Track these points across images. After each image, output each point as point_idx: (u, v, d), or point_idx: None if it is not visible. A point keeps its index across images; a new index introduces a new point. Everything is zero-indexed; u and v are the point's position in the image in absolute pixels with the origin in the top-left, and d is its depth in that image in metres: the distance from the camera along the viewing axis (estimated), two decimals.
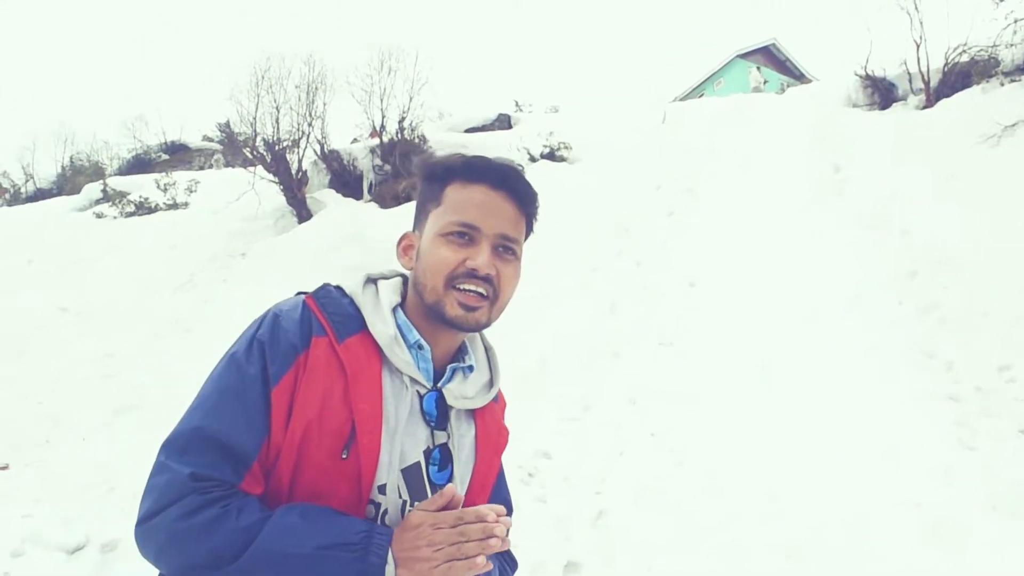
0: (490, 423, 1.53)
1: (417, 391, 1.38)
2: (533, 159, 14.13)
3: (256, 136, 13.86)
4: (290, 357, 1.27)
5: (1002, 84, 11.37)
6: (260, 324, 1.32)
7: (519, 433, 5.51)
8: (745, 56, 34.15)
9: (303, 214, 13.47)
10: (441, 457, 1.39)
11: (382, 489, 1.30)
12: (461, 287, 1.33)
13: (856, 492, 4.31)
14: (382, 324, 1.36)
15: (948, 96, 12.28)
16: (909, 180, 9.19)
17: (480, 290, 1.34)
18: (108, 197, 16.21)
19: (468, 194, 1.38)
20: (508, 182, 1.40)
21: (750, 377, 5.88)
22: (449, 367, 1.45)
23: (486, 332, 1.54)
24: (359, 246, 10.93)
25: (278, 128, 13.92)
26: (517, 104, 23.68)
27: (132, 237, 13.17)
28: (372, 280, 1.47)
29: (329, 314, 1.34)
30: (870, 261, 7.48)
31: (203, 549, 1.13)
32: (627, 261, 9.01)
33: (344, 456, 1.25)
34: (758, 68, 28.48)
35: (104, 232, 13.88)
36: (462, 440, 1.45)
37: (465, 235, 1.35)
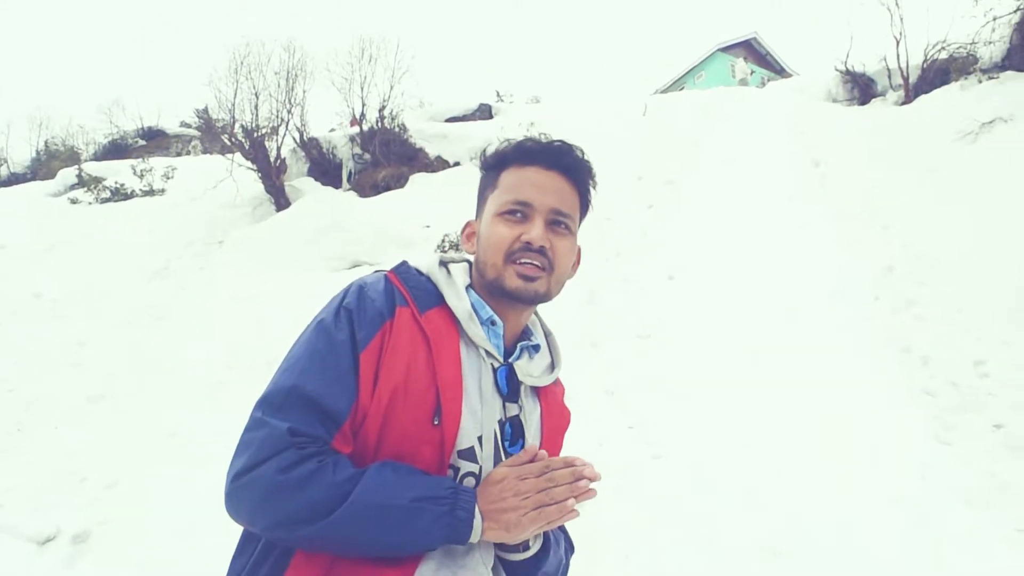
0: (553, 403, 1.60)
1: (492, 364, 1.43)
2: None
3: (235, 123, 13.74)
4: (376, 324, 1.32)
5: (980, 81, 11.47)
6: (346, 294, 1.37)
7: None
8: (726, 50, 34.27)
9: (281, 202, 13.38)
10: (512, 431, 1.44)
11: (462, 454, 1.34)
12: (519, 260, 1.40)
13: (834, 486, 4.32)
14: (458, 300, 1.42)
15: (927, 92, 12.41)
16: (888, 175, 9.25)
17: (536, 262, 1.40)
18: (83, 182, 16.00)
19: (522, 175, 1.46)
20: (560, 160, 1.47)
21: (728, 370, 5.88)
22: (519, 345, 1.51)
23: (554, 312, 1.60)
24: (338, 235, 10.88)
25: (257, 115, 13.82)
26: (498, 94, 23.56)
27: (107, 223, 13.01)
28: (443, 263, 1.52)
29: (411, 287, 1.41)
30: (848, 256, 7.51)
31: (301, 502, 1.16)
32: (607, 252, 9.01)
33: (436, 423, 1.30)
34: (744, 59, 28.55)
35: (79, 218, 13.70)
36: (530, 416, 1.50)
37: (518, 212, 1.43)
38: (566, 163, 1.47)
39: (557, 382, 1.64)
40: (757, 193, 9.86)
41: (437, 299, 1.42)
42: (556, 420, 1.60)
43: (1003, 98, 9.83)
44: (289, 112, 14.20)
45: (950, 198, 7.96)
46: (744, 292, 7.15)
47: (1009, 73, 11.23)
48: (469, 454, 1.34)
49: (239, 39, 14.27)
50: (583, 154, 1.50)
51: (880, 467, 4.47)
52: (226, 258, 11.03)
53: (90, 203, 14.91)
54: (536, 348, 1.56)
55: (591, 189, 1.54)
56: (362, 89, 14.86)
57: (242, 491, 1.20)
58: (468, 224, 1.58)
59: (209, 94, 13.99)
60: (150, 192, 15.29)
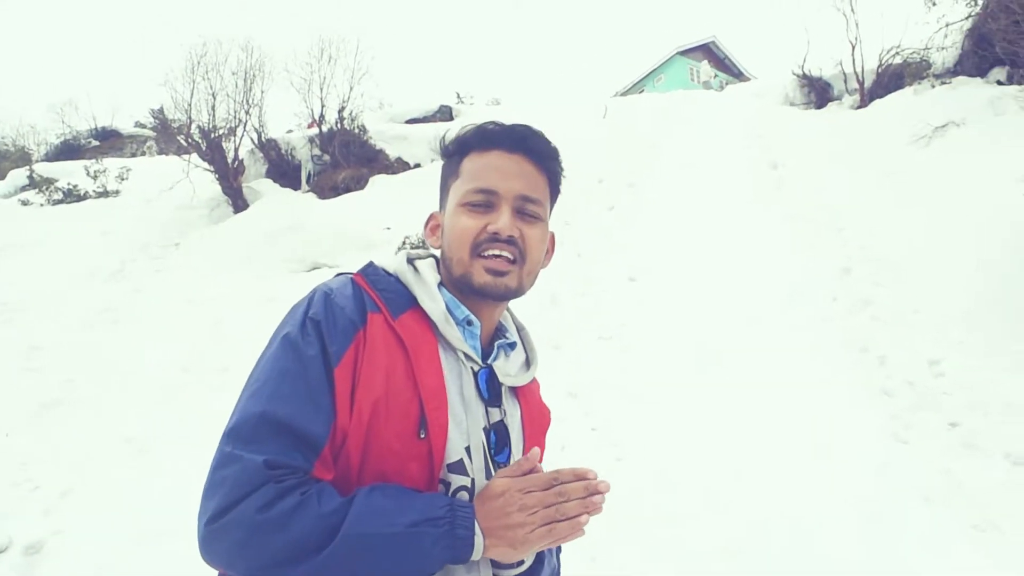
0: (533, 403, 1.52)
1: (472, 368, 1.34)
2: None
3: (191, 123, 13.54)
4: (349, 334, 1.21)
5: (933, 86, 11.69)
6: (310, 303, 1.26)
7: None
8: (685, 53, 34.59)
9: (239, 204, 13.22)
10: (497, 438, 1.36)
11: (451, 468, 1.25)
12: (486, 253, 1.32)
13: (794, 485, 4.37)
14: (431, 300, 1.33)
15: (881, 96, 12.61)
16: (844, 178, 9.39)
17: (505, 254, 1.32)
18: (35, 184, 15.63)
19: (485, 161, 1.38)
20: (524, 143, 1.39)
21: (690, 372, 5.93)
22: (495, 344, 1.44)
23: (517, 314, 1.59)
24: (297, 237, 10.79)
25: (214, 115, 13.63)
26: (459, 96, 23.48)
27: (60, 225, 12.73)
28: (411, 261, 1.44)
29: (380, 290, 1.32)
30: (806, 257, 7.61)
31: (287, 540, 1.05)
32: (568, 253, 9.02)
33: (422, 436, 1.21)
34: (708, 62, 28.84)
35: (30, 220, 13.39)
36: (512, 419, 1.42)
37: (483, 201, 1.34)
38: (530, 146, 1.40)
39: (533, 379, 1.55)
40: (717, 195, 9.95)
41: (409, 301, 1.33)
42: (537, 420, 1.53)
43: (955, 103, 10.02)
44: (247, 113, 14.03)
45: (905, 200, 8.10)
46: (705, 293, 7.21)
47: (961, 78, 11.45)
48: (459, 467, 1.26)
49: (196, 38, 14.09)
50: (546, 138, 1.43)
51: (839, 466, 4.53)
52: (183, 260, 10.86)
53: (42, 205, 14.57)
54: (512, 346, 1.49)
55: (560, 173, 1.47)
56: (321, 90, 14.74)
57: (219, 535, 1.08)
58: (432, 216, 1.51)
59: (165, 94, 13.75)
60: (104, 193, 14.98)
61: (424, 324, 1.31)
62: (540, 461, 1.38)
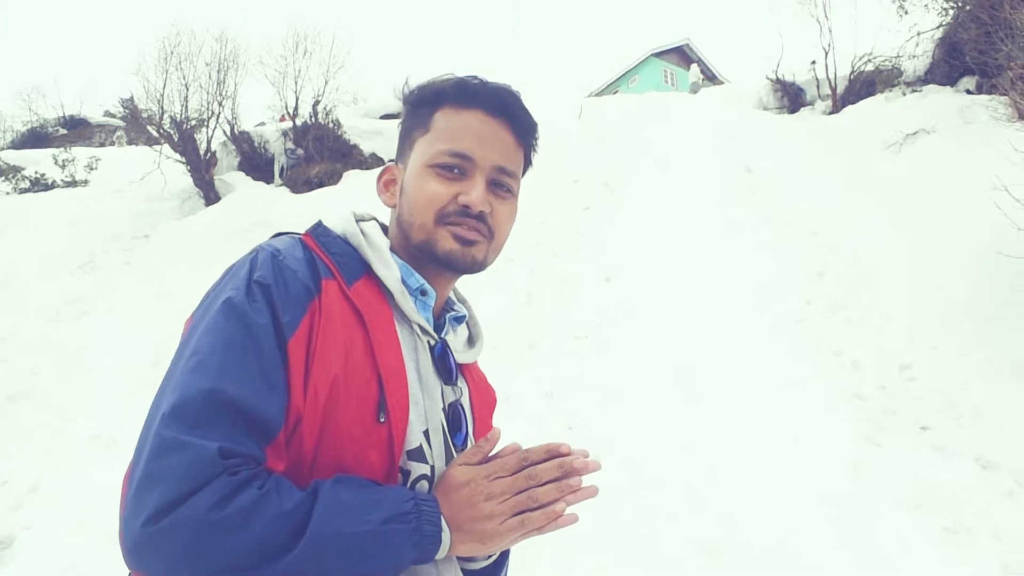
0: (479, 380, 1.42)
1: (428, 342, 1.24)
2: None
3: (163, 114, 13.37)
4: (304, 302, 1.06)
5: (904, 94, 11.82)
6: (253, 264, 1.09)
7: None
8: (659, 55, 34.82)
9: (211, 196, 13.07)
10: (452, 419, 1.25)
11: (411, 455, 1.13)
12: (452, 226, 1.20)
13: (769, 487, 4.40)
14: (386, 268, 1.20)
15: (853, 103, 12.72)
16: (817, 183, 9.48)
17: (477, 227, 1.21)
18: (1, 172, 15.36)
19: (462, 120, 1.23)
20: (508, 108, 1.25)
21: (666, 372, 5.95)
22: (448, 316, 1.34)
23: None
24: (269, 231, 10.57)
25: (187, 106, 13.46)
26: None
27: (27, 214, 12.51)
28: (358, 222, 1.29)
29: (333, 254, 1.18)
30: (780, 261, 7.67)
31: (246, 543, 0.89)
32: (544, 252, 9.03)
33: (381, 420, 1.08)
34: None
35: None
36: (463, 399, 1.32)
37: (456, 167, 1.21)
38: (514, 113, 1.26)
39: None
40: (692, 197, 10.00)
41: (361, 267, 1.19)
42: (483, 399, 1.42)
43: (926, 110, 10.14)
44: (220, 104, 13.88)
45: (878, 206, 8.20)
46: (680, 294, 7.25)
47: (932, 87, 11.60)
48: (418, 454, 1.14)
49: (169, 27, 13.88)
50: (527, 107, 1.29)
51: (813, 467, 4.57)
52: (153, 252, 10.71)
53: (8, 193, 14.30)
54: (460, 319, 1.37)
55: (534, 148, 1.34)
56: (296, 83, 14.64)
57: (160, 538, 0.88)
58: (387, 169, 1.34)
59: (137, 83, 13.54)
60: (72, 183, 14.75)
61: (378, 293, 1.18)
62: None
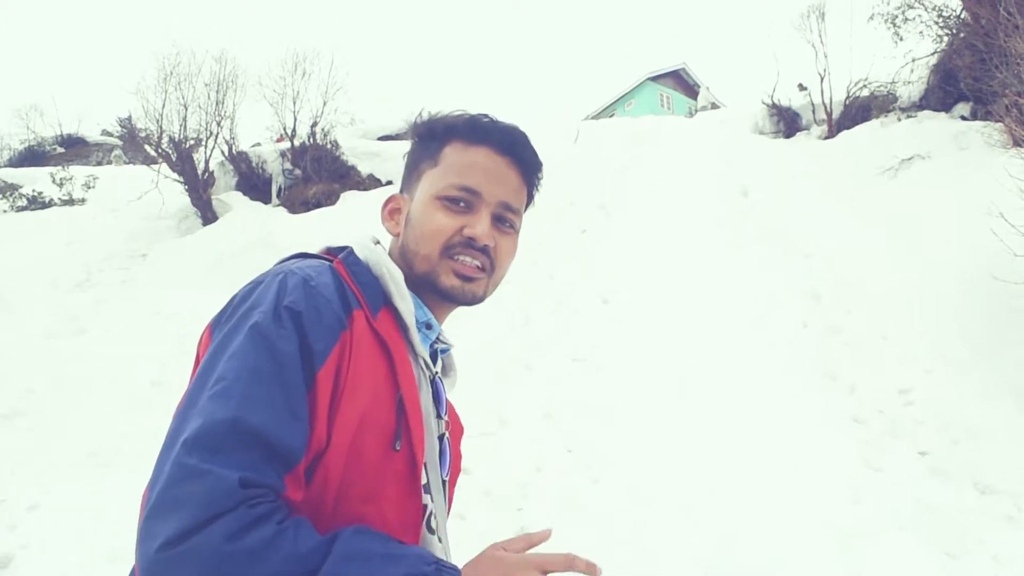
0: (451, 411, 1.42)
1: (428, 376, 1.25)
2: None
3: (162, 133, 13.41)
4: (336, 332, 1.06)
5: (899, 119, 11.92)
6: (283, 288, 1.08)
7: None
8: (656, 79, 35.05)
9: (208, 216, 13.09)
10: (440, 452, 1.27)
11: (426, 488, 1.15)
12: (457, 257, 1.22)
13: (767, 510, 4.39)
14: (402, 300, 1.20)
15: (849, 128, 12.82)
16: (813, 207, 9.53)
17: (477, 262, 1.24)
18: None
19: (470, 156, 1.27)
20: (516, 147, 1.30)
21: (663, 394, 5.95)
22: (438, 348, 1.34)
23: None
24: (267, 251, 10.66)
25: (185, 126, 13.53)
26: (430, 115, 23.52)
27: (24, 232, 12.51)
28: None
29: (361, 284, 1.18)
30: (777, 284, 7.68)
31: None
32: (541, 274, 9.04)
33: (397, 448, 1.09)
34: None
35: None
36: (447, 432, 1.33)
37: (463, 200, 1.24)
38: (521, 152, 1.30)
39: None
40: (688, 219, 10.03)
41: (383, 298, 1.19)
42: (456, 430, 1.43)
43: (921, 136, 10.22)
44: (219, 124, 13.95)
45: (874, 230, 8.24)
46: (677, 317, 7.26)
47: (926, 112, 11.70)
48: (426, 487, 1.16)
49: (169, 47, 13.98)
50: (534, 147, 1.35)
51: (812, 491, 4.56)
52: (150, 271, 10.71)
53: (5, 211, 14.34)
54: (446, 351, 1.39)
55: (537, 186, 1.38)
56: (295, 104, 14.72)
57: (177, 564, 0.87)
58: (393, 198, 1.35)
59: (136, 103, 13.62)
60: (70, 201, 14.79)
61: (395, 325, 1.18)
62: (458, 472, 1.38)
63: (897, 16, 12.43)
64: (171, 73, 13.52)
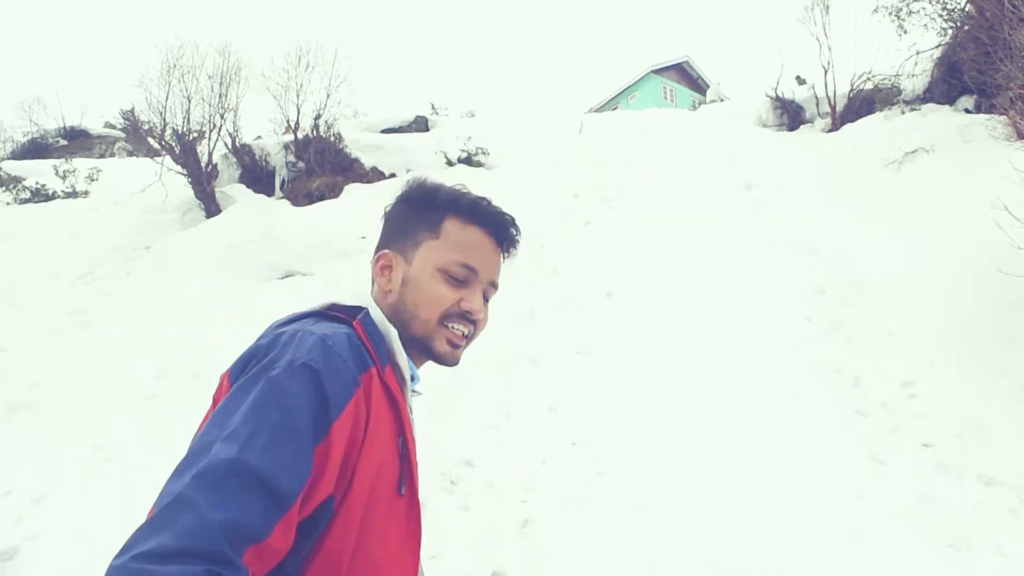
0: None
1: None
2: (450, 163, 14.09)
3: (165, 126, 13.40)
4: (351, 389, 1.16)
5: (903, 112, 11.87)
6: (300, 347, 1.17)
7: (440, 440, 5.46)
8: (659, 72, 34.95)
9: (212, 208, 13.08)
10: None
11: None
12: (451, 325, 1.38)
13: (772, 503, 4.40)
14: (401, 359, 1.33)
15: (852, 121, 12.77)
16: (817, 200, 9.51)
17: (466, 331, 1.40)
18: (1, 182, 15.36)
19: (469, 236, 1.42)
20: (505, 233, 1.47)
21: (667, 388, 5.96)
22: (417, 396, 1.49)
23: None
24: (271, 243, 10.69)
25: (188, 118, 13.50)
26: (434, 107, 23.50)
27: (27, 225, 12.53)
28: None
29: (375, 343, 1.29)
30: (780, 277, 7.68)
31: None
32: (545, 268, 9.04)
33: (401, 492, 1.23)
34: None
35: None
36: None
37: (462, 277, 1.39)
38: (509, 238, 1.49)
39: None
40: (692, 212, 10.02)
41: (387, 355, 1.31)
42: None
43: (925, 129, 10.19)
44: (222, 117, 13.92)
45: (878, 223, 8.23)
46: (681, 310, 7.26)
47: (930, 105, 11.66)
48: None
49: (173, 40, 13.94)
50: (518, 228, 1.52)
51: (816, 484, 4.57)
52: (154, 265, 10.72)
53: (8, 204, 14.34)
54: (417, 395, 1.51)
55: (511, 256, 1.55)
56: (298, 96, 14.69)
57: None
58: (384, 255, 1.45)
59: (139, 95, 13.61)
60: (73, 194, 14.77)
61: (395, 379, 1.30)
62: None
63: (901, 9, 12.39)
64: (174, 65, 13.50)
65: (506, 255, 1.51)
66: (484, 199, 1.46)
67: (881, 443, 4.97)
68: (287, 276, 10.08)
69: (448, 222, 1.42)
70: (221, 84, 13.89)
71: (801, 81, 15.44)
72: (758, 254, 8.38)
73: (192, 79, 13.64)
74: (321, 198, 13.21)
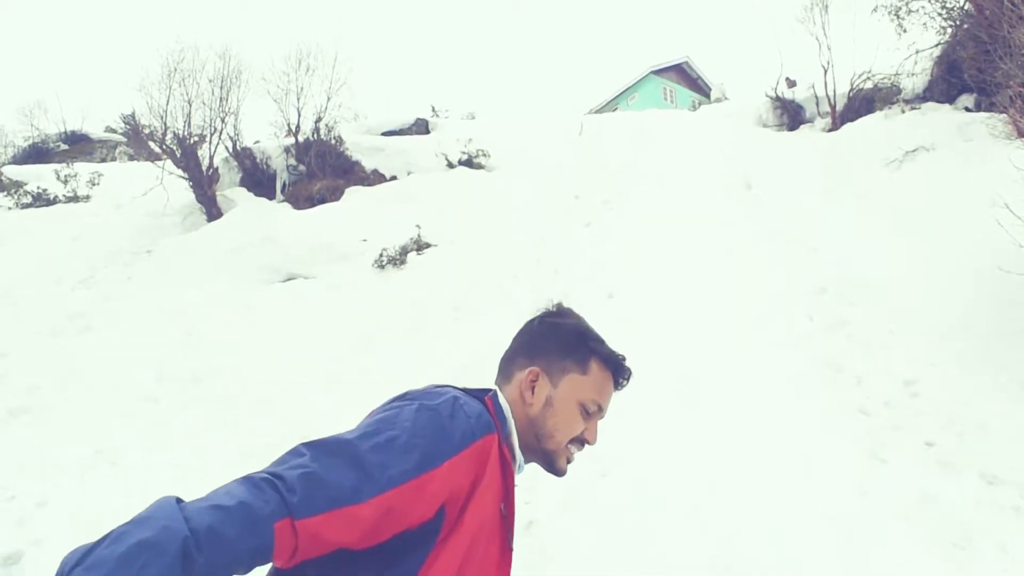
0: None
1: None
2: (451, 165, 14.07)
3: (167, 130, 13.41)
4: (467, 440, 1.37)
5: (903, 111, 11.88)
6: (435, 398, 1.42)
7: None
8: (659, 73, 34.95)
9: (213, 212, 13.08)
10: None
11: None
12: (572, 447, 1.63)
13: (774, 503, 4.40)
14: (516, 446, 1.56)
15: (852, 120, 12.77)
16: (818, 199, 9.51)
17: (579, 453, 1.66)
18: (3, 187, 15.35)
19: (604, 382, 1.67)
20: (623, 378, 1.71)
21: (669, 389, 5.94)
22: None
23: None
24: (272, 246, 10.70)
25: (189, 122, 13.51)
26: (434, 109, 23.47)
27: (29, 229, 12.54)
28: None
29: (501, 421, 1.52)
30: (782, 277, 7.68)
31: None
32: (546, 269, 9.04)
33: (512, 547, 1.54)
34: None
35: None
36: None
37: (592, 412, 1.64)
38: (625, 382, 1.73)
39: None
40: (693, 213, 10.00)
41: (507, 435, 1.54)
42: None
43: (925, 128, 10.20)
44: (223, 120, 13.93)
45: (878, 222, 8.23)
46: (683, 310, 7.25)
47: (930, 104, 11.67)
48: None
49: (173, 43, 13.95)
50: None
51: (818, 483, 4.57)
52: (155, 268, 10.72)
53: (10, 208, 14.34)
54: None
55: None
56: (298, 99, 14.69)
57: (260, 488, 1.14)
58: (534, 372, 1.65)
59: (140, 99, 13.60)
60: (74, 198, 14.77)
61: (509, 455, 1.52)
62: None
63: (901, 8, 12.38)
64: (175, 69, 13.52)
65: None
66: (622, 355, 1.72)
67: (883, 441, 4.97)
68: (288, 279, 10.09)
69: (594, 363, 1.66)
70: (222, 88, 13.91)
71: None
72: (759, 254, 8.37)
73: (193, 83, 13.65)
74: (322, 201, 13.21)
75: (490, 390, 1.61)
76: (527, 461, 1.65)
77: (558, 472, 1.65)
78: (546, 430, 1.61)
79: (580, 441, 1.64)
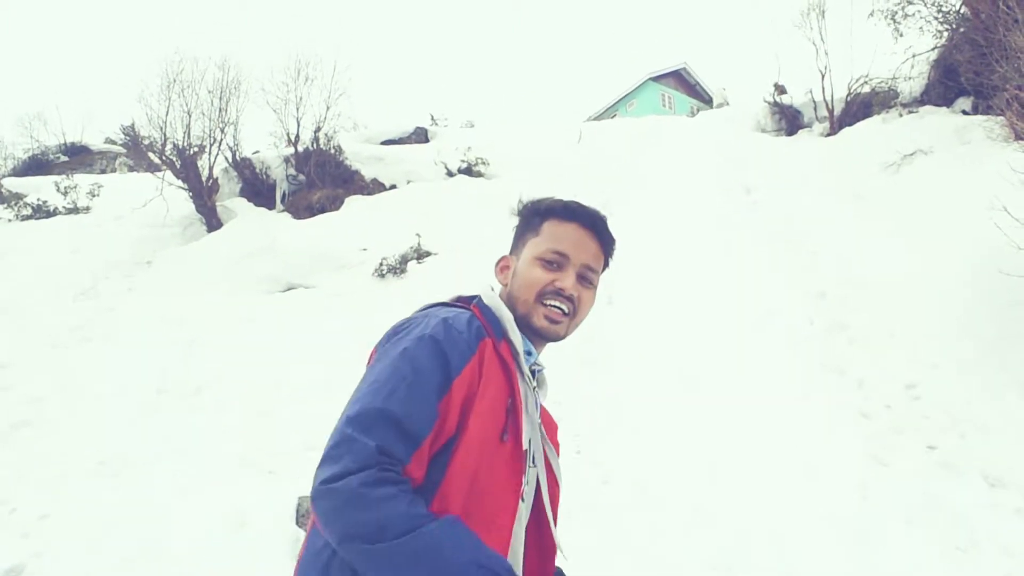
0: (544, 412, 1.80)
1: (531, 387, 1.66)
2: (450, 174, 14.10)
3: (166, 141, 13.43)
4: (466, 356, 1.47)
5: (900, 115, 11.91)
6: (427, 325, 1.51)
7: None
8: (657, 79, 34.97)
9: (213, 222, 13.10)
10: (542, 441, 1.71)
11: (532, 459, 1.62)
12: (547, 303, 1.64)
13: (777, 506, 4.40)
14: (514, 336, 1.61)
15: (850, 124, 12.81)
16: (817, 204, 9.53)
17: (563, 307, 1.65)
18: (3, 199, 15.37)
19: (563, 229, 1.69)
20: (596, 225, 1.72)
21: (670, 393, 5.96)
22: (537, 370, 1.75)
23: None
24: (272, 256, 10.71)
25: (189, 133, 13.53)
26: (433, 118, 23.49)
27: (29, 241, 12.53)
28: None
29: (489, 321, 1.60)
30: (782, 281, 7.69)
31: (373, 518, 1.24)
32: None
33: (504, 439, 1.49)
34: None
35: None
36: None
37: (555, 262, 1.66)
38: (600, 227, 1.73)
39: None
40: (692, 218, 10.02)
41: (502, 332, 1.60)
42: (549, 426, 1.81)
43: (922, 131, 10.23)
44: (222, 131, 13.95)
45: (877, 226, 8.24)
46: (683, 316, 7.26)
47: (928, 107, 11.71)
48: (533, 460, 1.62)
49: (172, 54, 13.95)
50: (610, 228, 1.77)
51: (821, 486, 4.58)
52: (155, 279, 10.73)
53: (10, 220, 14.34)
54: (541, 371, 1.77)
55: (612, 253, 1.80)
56: (298, 109, 14.70)
57: (327, 496, 1.28)
58: (504, 258, 1.79)
59: (140, 110, 13.60)
60: (74, 210, 14.77)
61: (510, 352, 1.58)
62: (558, 455, 1.80)
63: (897, 12, 12.43)
64: (174, 80, 13.54)
65: (603, 244, 1.74)
66: (576, 201, 1.75)
67: (885, 444, 4.97)
68: (289, 289, 10.09)
69: (547, 223, 1.71)
70: (221, 98, 13.93)
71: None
72: (758, 258, 8.38)
73: (192, 93, 13.68)
74: (322, 211, 13.21)
75: (475, 297, 1.69)
76: (536, 344, 1.70)
77: (543, 331, 1.65)
78: (515, 296, 1.68)
79: (555, 293, 1.64)
